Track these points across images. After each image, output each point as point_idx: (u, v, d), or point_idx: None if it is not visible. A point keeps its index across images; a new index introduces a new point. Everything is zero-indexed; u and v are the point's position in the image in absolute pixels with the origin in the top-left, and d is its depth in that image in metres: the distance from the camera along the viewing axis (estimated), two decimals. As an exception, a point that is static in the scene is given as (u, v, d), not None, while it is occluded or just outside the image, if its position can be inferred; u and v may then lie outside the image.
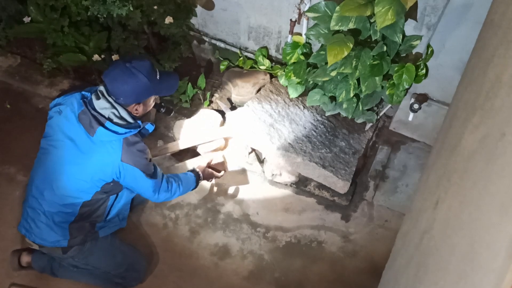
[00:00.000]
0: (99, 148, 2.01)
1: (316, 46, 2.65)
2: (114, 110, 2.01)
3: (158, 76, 2.08)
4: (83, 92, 2.11)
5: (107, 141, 2.01)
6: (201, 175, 2.44)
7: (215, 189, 2.85)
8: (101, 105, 2.00)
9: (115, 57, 2.85)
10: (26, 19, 2.90)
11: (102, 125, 1.99)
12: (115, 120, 2.01)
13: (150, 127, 2.18)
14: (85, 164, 2.03)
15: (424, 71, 2.33)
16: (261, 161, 2.90)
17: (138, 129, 2.09)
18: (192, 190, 2.41)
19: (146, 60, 2.05)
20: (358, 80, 2.35)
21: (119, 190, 2.20)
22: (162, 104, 2.42)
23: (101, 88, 2.04)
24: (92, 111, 2.01)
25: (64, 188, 2.08)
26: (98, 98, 2.02)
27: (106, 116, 2.00)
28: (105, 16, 2.70)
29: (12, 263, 2.45)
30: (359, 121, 2.73)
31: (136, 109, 2.08)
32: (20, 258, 2.46)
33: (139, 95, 2.04)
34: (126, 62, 2.01)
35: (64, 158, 2.06)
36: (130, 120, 2.05)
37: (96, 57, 2.80)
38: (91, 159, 2.02)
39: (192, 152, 2.93)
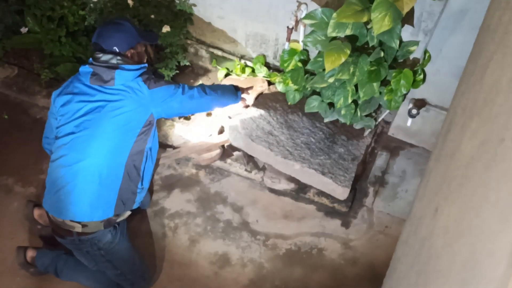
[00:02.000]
0: (125, 93, 2.16)
1: (313, 53, 2.65)
2: (118, 57, 2.17)
3: (138, 28, 2.32)
4: (81, 68, 2.21)
5: (127, 83, 2.17)
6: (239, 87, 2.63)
7: (214, 197, 2.84)
8: (106, 58, 2.16)
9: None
10: (23, 30, 2.91)
11: (118, 68, 2.15)
12: (124, 63, 2.18)
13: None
14: (120, 111, 2.14)
15: (421, 76, 2.32)
16: (260, 168, 2.89)
17: (146, 65, 2.25)
18: (233, 103, 2.59)
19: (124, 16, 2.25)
20: (356, 86, 2.34)
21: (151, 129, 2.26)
22: (157, 70, 2.57)
23: (96, 53, 2.18)
24: (102, 64, 2.15)
25: (110, 138, 2.14)
26: (98, 58, 2.16)
27: (115, 63, 2.16)
28: (102, 25, 2.70)
29: (18, 257, 2.46)
30: (358, 127, 2.72)
31: (132, 57, 2.24)
32: (26, 253, 2.47)
33: (130, 40, 2.23)
34: (107, 20, 2.26)
35: (100, 118, 2.13)
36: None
37: (93, 66, 2.79)
38: (124, 103, 2.15)
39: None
